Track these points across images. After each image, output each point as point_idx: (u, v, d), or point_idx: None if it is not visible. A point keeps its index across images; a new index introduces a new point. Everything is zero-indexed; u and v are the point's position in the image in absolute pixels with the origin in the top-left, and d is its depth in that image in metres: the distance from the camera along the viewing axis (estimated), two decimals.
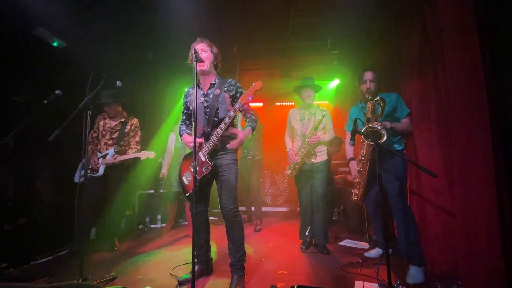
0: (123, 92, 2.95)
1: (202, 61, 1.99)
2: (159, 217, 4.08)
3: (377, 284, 1.95)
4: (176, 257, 2.71)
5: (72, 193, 2.18)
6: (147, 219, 4.05)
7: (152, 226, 4.04)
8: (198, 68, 1.96)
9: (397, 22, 2.74)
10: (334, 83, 4.96)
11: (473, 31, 1.75)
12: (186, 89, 2.30)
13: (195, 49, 1.81)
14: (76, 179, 2.99)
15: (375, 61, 3.27)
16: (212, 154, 2.08)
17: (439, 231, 2.15)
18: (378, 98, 2.20)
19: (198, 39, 2.14)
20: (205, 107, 2.09)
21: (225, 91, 2.11)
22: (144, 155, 2.96)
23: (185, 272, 2.26)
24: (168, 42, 3.69)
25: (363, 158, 2.35)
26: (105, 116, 3.08)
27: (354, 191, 2.52)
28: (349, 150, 2.68)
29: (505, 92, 1.71)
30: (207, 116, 2.08)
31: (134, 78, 4.09)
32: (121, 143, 3.02)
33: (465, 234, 1.78)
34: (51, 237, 2.91)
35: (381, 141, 2.03)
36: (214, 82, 2.16)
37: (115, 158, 2.90)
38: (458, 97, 1.83)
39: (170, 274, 2.28)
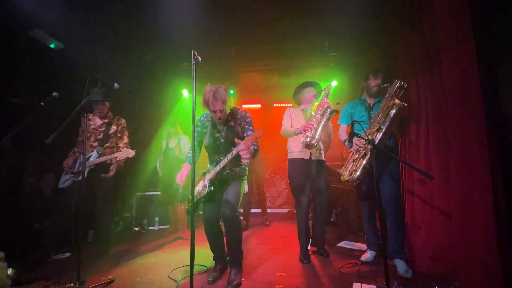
0: (113, 91, 2.63)
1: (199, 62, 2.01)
2: (156, 219, 4.06)
3: (374, 286, 1.96)
4: (174, 259, 2.70)
5: (69, 196, 2.18)
6: (145, 221, 4.03)
7: (150, 228, 4.01)
8: (216, 119, 2.19)
9: (395, 24, 2.75)
10: (332, 85, 4.98)
11: (469, 35, 1.77)
12: (200, 118, 2.37)
13: (194, 53, 1.80)
14: (61, 184, 2.84)
15: (373, 63, 3.29)
16: (221, 171, 2.24)
17: (436, 232, 2.17)
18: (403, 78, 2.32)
19: (212, 97, 2.08)
20: (220, 141, 2.25)
21: (238, 124, 2.25)
22: (123, 154, 2.74)
23: (183, 275, 2.26)
24: (166, 44, 3.69)
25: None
26: (90, 118, 2.89)
27: (347, 169, 2.35)
28: (342, 134, 2.60)
29: (501, 95, 1.73)
30: (221, 147, 2.24)
31: (132, 80, 4.08)
32: (106, 145, 2.87)
33: (462, 236, 1.80)
34: (48, 240, 2.89)
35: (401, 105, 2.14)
36: (228, 118, 2.26)
37: (99, 157, 2.77)
38: (455, 100, 1.85)
39: (169, 277, 2.27)
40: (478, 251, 1.69)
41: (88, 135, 2.86)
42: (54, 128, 1.97)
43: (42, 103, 2.12)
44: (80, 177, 2.63)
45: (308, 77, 3.03)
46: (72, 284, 1.95)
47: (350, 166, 2.35)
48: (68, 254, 2.85)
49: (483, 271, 1.66)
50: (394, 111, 2.18)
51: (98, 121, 2.92)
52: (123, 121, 3.04)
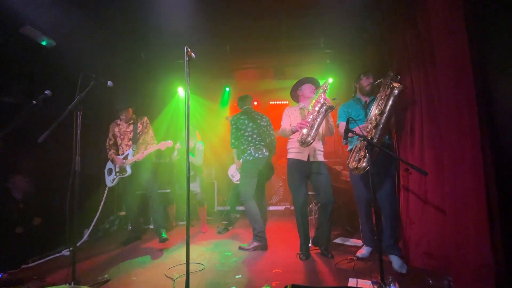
0: (133, 97, 3.51)
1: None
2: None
3: (370, 281, 1.97)
4: (171, 258, 2.69)
5: (63, 196, 2.15)
6: (141, 220, 4.01)
7: (146, 227, 3.99)
8: None
9: (390, 21, 2.76)
10: (329, 81, 4.98)
11: (462, 30, 1.78)
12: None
13: (187, 49, 1.79)
14: (108, 183, 3.32)
15: (368, 60, 3.29)
16: None
17: (430, 228, 2.20)
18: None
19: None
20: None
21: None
22: (163, 145, 3.17)
23: (180, 273, 2.25)
24: (161, 41, 3.66)
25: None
26: (118, 123, 3.34)
27: (355, 157, 2.32)
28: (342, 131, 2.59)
29: (493, 90, 1.74)
30: None
31: (127, 77, 4.04)
32: (138, 142, 3.29)
33: (455, 231, 1.82)
34: (42, 240, 2.86)
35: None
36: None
37: (142, 153, 3.16)
38: (448, 96, 1.86)
39: (165, 275, 2.27)
40: (471, 246, 1.70)
41: (122, 137, 3.32)
42: (47, 127, 1.94)
43: (34, 102, 2.08)
44: (126, 174, 3.18)
45: (303, 74, 2.98)
46: (67, 284, 1.93)
47: (358, 154, 2.31)
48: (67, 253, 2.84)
49: (476, 265, 1.68)
50: (396, 92, 2.18)
51: (127, 124, 3.35)
52: (146, 118, 3.42)
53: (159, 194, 3.50)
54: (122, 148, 3.31)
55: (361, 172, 2.26)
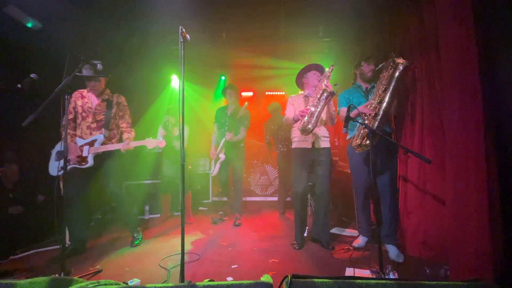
0: (106, 67, 2.48)
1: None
2: (147, 208, 3.99)
3: (368, 271, 1.96)
4: (165, 248, 2.64)
5: (50, 186, 2.04)
6: (135, 210, 3.94)
7: (140, 217, 3.93)
8: None
9: (392, 8, 2.68)
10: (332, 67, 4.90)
11: (468, 15, 1.71)
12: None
13: (182, 29, 1.70)
14: (54, 171, 2.48)
15: (368, 48, 3.22)
16: None
17: (428, 218, 2.19)
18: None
19: None
20: None
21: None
22: (151, 143, 2.51)
23: (174, 263, 2.21)
24: (154, 26, 3.51)
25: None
26: (84, 95, 2.57)
27: (360, 134, 2.29)
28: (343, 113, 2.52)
29: (499, 80, 1.69)
30: None
31: (117, 63, 3.88)
32: (110, 128, 2.59)
33: (455, 220, 1.80)
34: (31, 230, 2.78)
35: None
36: None
37: (127, 144, 2.50)
38: (452, 84, 1.81)
39: (159, 265, 2.22)
40: (470, 235, 1.69)
41: (84, 114, 2.52)
42: (33, 112, 1.84)
43: (19, 85, 1.97)
44: (85, 165, 2.45)
45: (301, 63, 2.90)
46: (56, 275, 1.87)
47: (362, 131, 2.29)
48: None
49: (474, 255, 1.66)
50: (401, 68, 2.13)
51: (95, 100, 2.57)
52: (123, 98, 2.72)
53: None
54: (82, 129, 2.51)
55: (365, 149, 2.27)
